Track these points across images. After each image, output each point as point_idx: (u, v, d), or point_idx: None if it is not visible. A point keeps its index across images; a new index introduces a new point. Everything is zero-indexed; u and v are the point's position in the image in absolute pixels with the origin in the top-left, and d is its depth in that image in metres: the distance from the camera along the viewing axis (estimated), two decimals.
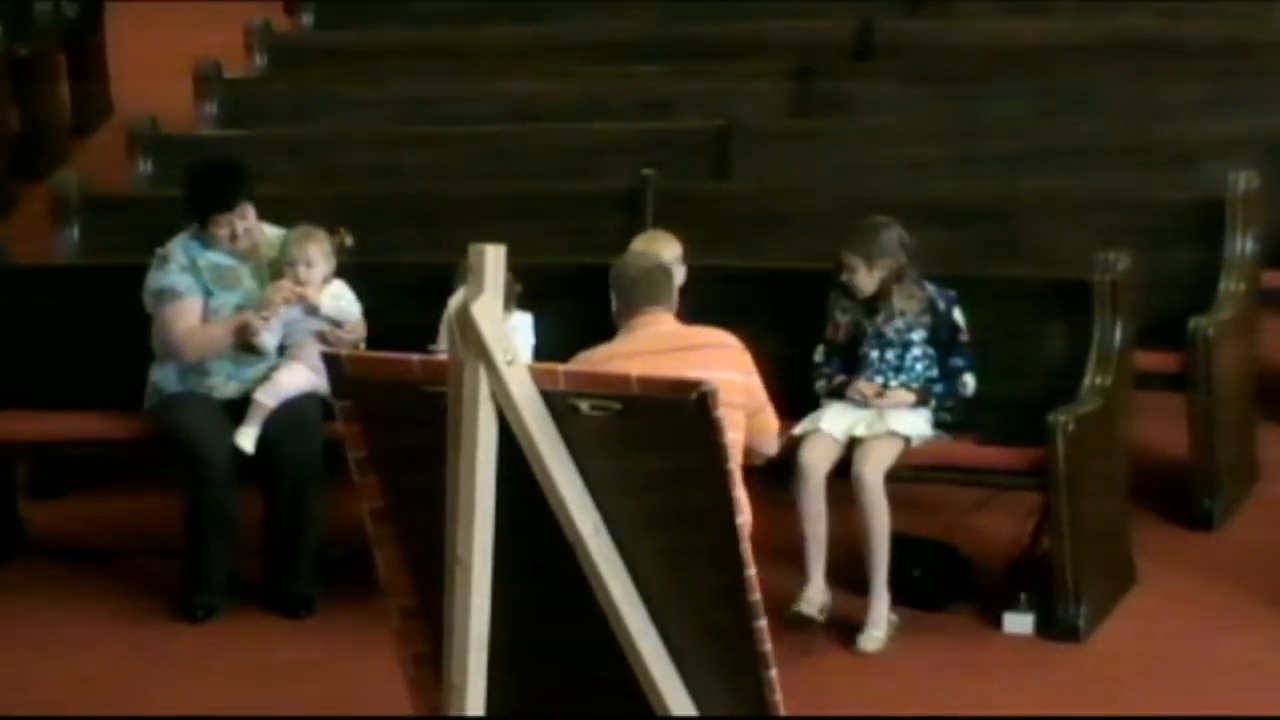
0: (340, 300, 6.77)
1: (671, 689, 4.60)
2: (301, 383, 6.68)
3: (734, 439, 5.31)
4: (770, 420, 5.85)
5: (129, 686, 6.23)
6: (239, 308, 6.75)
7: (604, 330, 6.98)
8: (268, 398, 6.65)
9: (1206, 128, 8.27)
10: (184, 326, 6.69)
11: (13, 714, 6.01)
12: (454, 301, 4.49)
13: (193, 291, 6.71)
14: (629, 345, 5.71)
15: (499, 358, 4.36)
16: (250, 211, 6.75)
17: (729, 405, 5.22)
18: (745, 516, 5.76)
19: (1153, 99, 8.97)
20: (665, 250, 6.47)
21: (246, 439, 6.61)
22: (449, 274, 6.69)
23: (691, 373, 5.10)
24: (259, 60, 10.56)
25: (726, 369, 5.53)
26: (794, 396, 6.47)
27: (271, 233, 6.87)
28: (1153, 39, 9.74)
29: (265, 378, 6.72)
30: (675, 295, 5.89)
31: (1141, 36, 9.78)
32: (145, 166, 8.90)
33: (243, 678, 6.27)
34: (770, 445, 5.94)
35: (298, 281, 6.70)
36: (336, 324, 6.73)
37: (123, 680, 6.29)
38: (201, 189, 6.82)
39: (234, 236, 6.73)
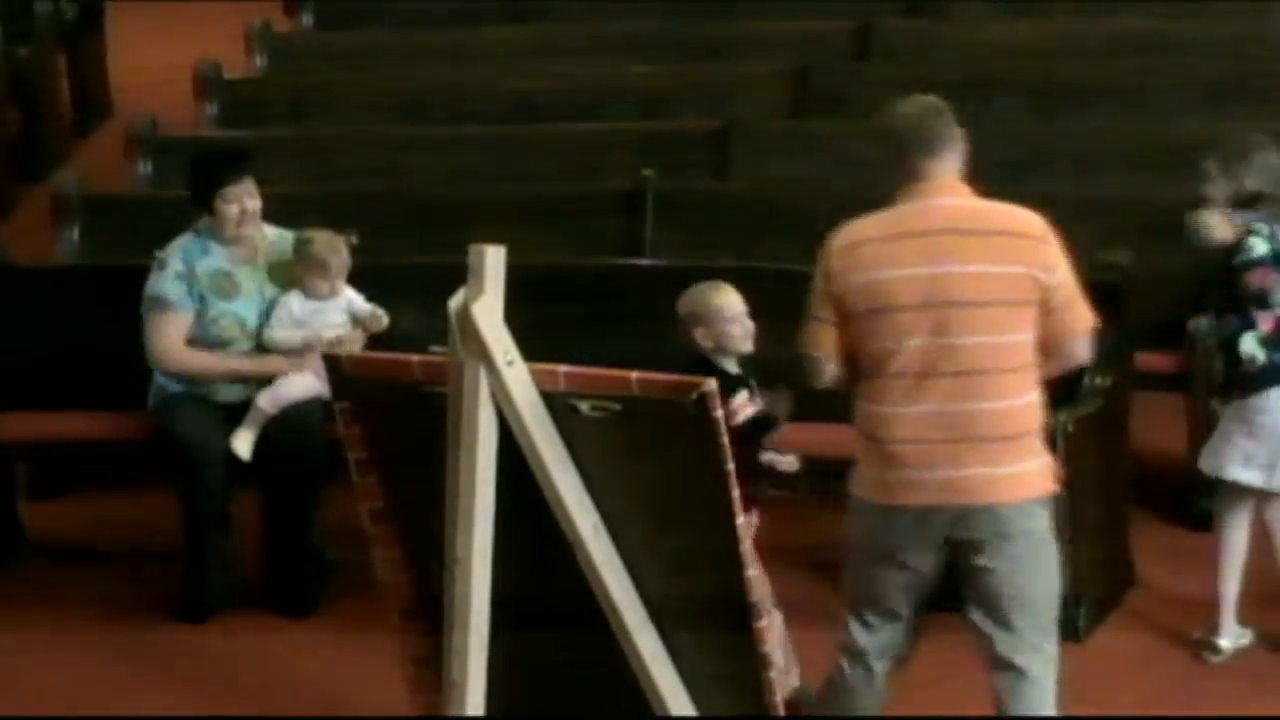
0: (362, 302, 6.77)
1: (671, 689, 4.60)
2: (304, 390, 6.65)
3: (1007, 341, 4.85)
4: (1077, 318, 4.97)
5: (129, 687, 6.22)
6: (237, 316, 6.73)
7: (604, 331, 7.00)
8: (268, 404, 6.63)
9: (1206, 128, 8.27)
10: (168, 339, 6.67)
11: (12, 714, 6.01)
12: (454, 302, 4.48)
13: (183, 304, 6.67)
14: (890, 225, 4.96)
15: (499, 358, 4.36)
16: (256, 191, 6.72)
17: (991, 304, 4.84)
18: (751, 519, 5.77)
19: (1152, 100, 8.98)
20: (730, 301, 5.77)
21: (243, 444, 6.58)
22: (449, 274, 6.69)
23: (953, 265, 4.81)
24: (259, 61, 10.58)
25: (1005, 262, 4.86)
26: (797, 399, 6.46)
27: (272, 233, 6.86)
28: (1152, 40, 9.76)
29: (268, 382, 6.70)
30: (959, 144, 5.02)
31: (1140, 37, 9.80)
32: (145, 167, 8.92)
33: (242, 678, 6.27)
34: (1078, 348, 5.04)
35: (334, 292, 6.68)
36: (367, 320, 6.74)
37: (123, 681, 6.29)
38: (209, 166, 6.79)
39: (242, 217, 6.67)
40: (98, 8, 12.60)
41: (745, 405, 5.63)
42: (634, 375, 4.33)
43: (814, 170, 8.54)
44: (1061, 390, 6.42)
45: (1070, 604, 6.24)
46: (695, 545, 4.43)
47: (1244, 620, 6.25)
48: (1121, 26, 9.97)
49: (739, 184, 8.51)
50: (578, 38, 10.48)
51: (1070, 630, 6.26)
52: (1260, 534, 6.23)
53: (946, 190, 4.95)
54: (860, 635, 5.08)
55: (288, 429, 6.60)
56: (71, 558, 7.31)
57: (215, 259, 6.73)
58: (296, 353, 6.64)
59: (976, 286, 4.82)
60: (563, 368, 4.40)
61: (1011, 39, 9.92)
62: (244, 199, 6.67)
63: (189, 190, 6.82)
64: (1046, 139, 8.35)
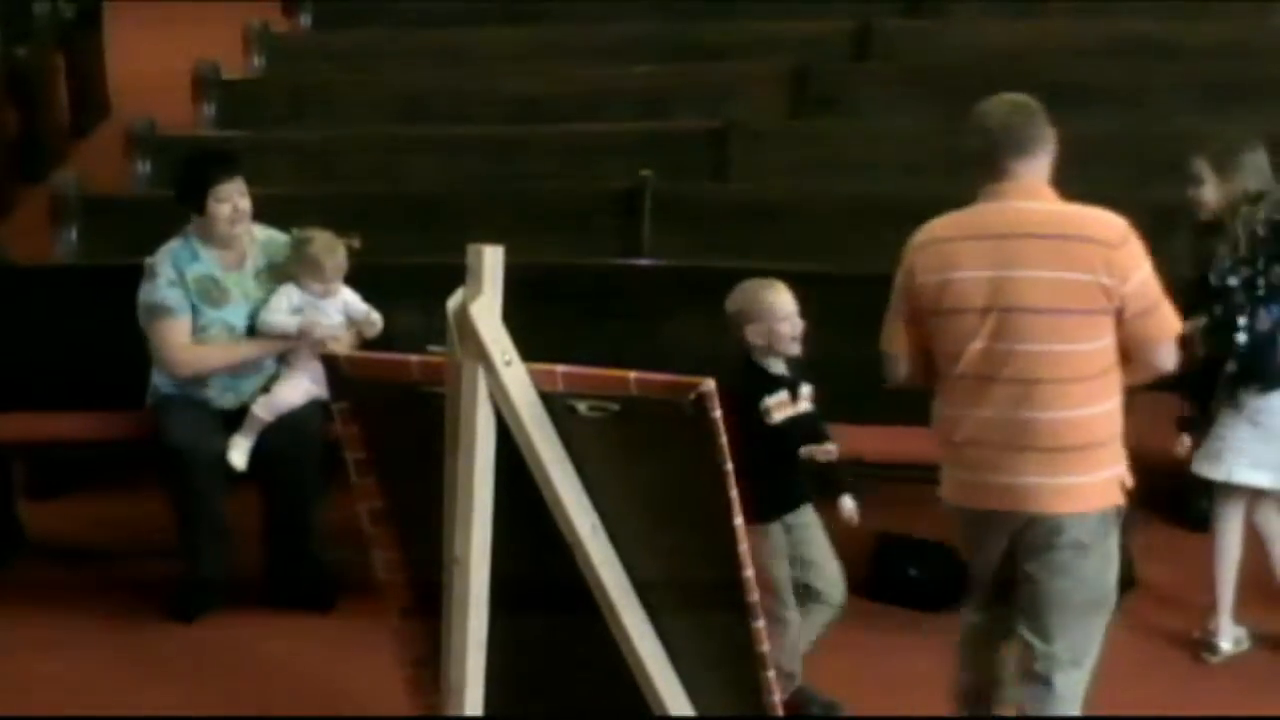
0: (359, 303, 6.75)
1: (669, 689, 4.60)
2: (299, 396, 6.64)
3: (1072, 350, 4.75)
4: (1156, 326, 4.84)
5: (129, 686, 6.22)
6: (226, 324, 6.71)
7: (602, 331, 7.00)
8: (264, 412, 6.61)
9: (1204, 129, 8.27)
10: (178, 344, 6.64)
11: (11, 714, 6.01)
12: (452, 302, 4.48)
13: (183, 309, 6.64)
14: (964, 225, 4.91)
15: (497, 358, 4.35)
16: (246, 190, 6.70)
17: (1055, 312, 4.75)
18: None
19: (1151, 100, 8.97)
20: (783, 300, 5.73)
21: (239, 454, 6.56)
22: (447, 274, 6.68)
23: (1017, 270, 4.74)
24: (257, 61, 10.58)
25: (1073, 268, 4.74)
26: None
27: (262, 234, 6.82)
28: (1150, 40, 9.77)
29: (264, 389, 6.69)
30: (1049, 145, 4.96)
31: (1139, 38, 9.80)
32: (143, 167, 8.92)
33: (242, 678, 6.27)
34: (1162, 356, 4.92)
35: (328, 293, 6.67)
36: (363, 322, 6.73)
37: (122, 680, 6.28)
38: (200, 165, 6.75)
39: (235, 215, 6.64)
40: (96, 8, 12.60)
41: (783, 406, 5.63)
42: (632, 375, 4.32)
43: (812, 171, 8.54)
44: None
45: None
46: (694, 545, 4.42)
47: (1243, 621, 6.25)
48: (1120, 27, 9.97)
49: (737, 185, 8.51)
50: (576, 38, 10.48)
51: None
52: (1255, 534, 6.24)
53: (1027, 192, 4.89)
54: (972, 615, 5.21)
55: (285, 434, 6.60)
56: (70, 557, 7.31)
57: (204, 265, 6.70)
58: (291, 338, 6.64)
59: (1039, 292, 4.77)
60: (561, 368, 4.40)
61: (1010, 39, 9.92)
62: (236, 197, 6.64)
63: (178, 191, 6.77)
64: None
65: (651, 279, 7.36)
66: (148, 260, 6.73)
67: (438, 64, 10.28)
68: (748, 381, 5.62)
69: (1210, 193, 6.09)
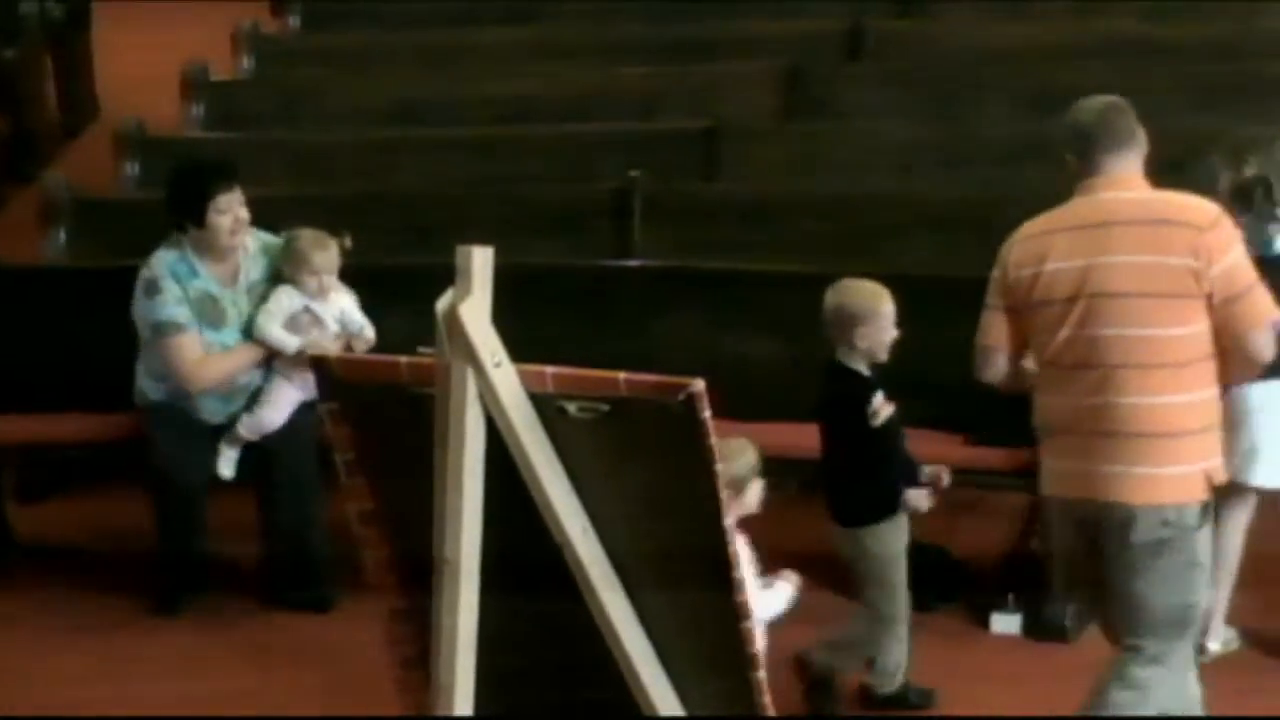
0: (356, 314, 6.73)
1: (659, 690, 4.59)
2: (282, 416, 6.62)
3: (1157, 335, 4.76)
4: (1246, 312, 4.78)
5: (125, 687, 6.22)
6: (225, 346, 6.64)
7: (592, 332, 6.99)
8: (248, 431, 6.61)
9: (1194, 129, 8.27)
10: (192, 359, 6.59)
11: (8, 715, 6.00)
12: (441, 303, 4.47)
13: (192, 324, 6.58)
14: (1058, 219, 4.97)
15: (487, 360, 4.34)
16: (243, 200, 6.65)
17: (1140, 296, 4.77)
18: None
19: (1144, 101, 8.94)
20: (879, 301, 5.64)
21: (226, 465, 6.60)
22: (438, 276, 6.67)
23: (1103, 257, 4.79)
24: (246, 62, 10.57)
25: (1161, 253, 4.77)
26: (787, 400, 6.45)
27: (255, 242, 6.77)
28: (1142, 41, 9.76)
29: (253, 401, 6.67)
30: (1141, 142, 5.00)
31: (1131, 38, 9.80)
32: (132, 168, 8.90)
33: (239, 678, 6.27)
34: (1256, 343, 4.81)
35: (322, 289, 6.63)
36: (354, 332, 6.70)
37: (115, 682, 6.28)
38: (198, 177, 6.65)
39: (236, 226, 6.59)
40: (84, 8, 12.60)
41: (884, 406, 5.62)
42: (622, 376, 4.31)
43: (804, 171, 8.54)
44: None
45: (1058, 604, 6.26)
46: (683, 546, 4.42)
47: (1240, 622, 6.24)
48: (1113, 27, 9.97)
49: (728, 185, 8.50)
50: (566, 39, 10.48)
51: (1058, 630, 6.28)
52: (1256, 537, 6.22)
53: (1119, 184, 4.94)
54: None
55: (278, 439, 6.60)
56: (60, 560, 7.30)
57: (202, 281, 6.64)
58: (288, 359, 6.62)
59: (1126, 277, 4.79)
60: (550, 369, 4.38)
61: (1002, 40, 9.93)
62: (236, 208, 6.59)
63: (175, 203, 6.68)
64: (1036, 138, 8.34)
65: (642, 279, 7.35)
66: (144, 273, 6.66)
67: (427, 65, 10.28)
68: (851, 384, 5.62)
69: (1224, 187, 6.12)
